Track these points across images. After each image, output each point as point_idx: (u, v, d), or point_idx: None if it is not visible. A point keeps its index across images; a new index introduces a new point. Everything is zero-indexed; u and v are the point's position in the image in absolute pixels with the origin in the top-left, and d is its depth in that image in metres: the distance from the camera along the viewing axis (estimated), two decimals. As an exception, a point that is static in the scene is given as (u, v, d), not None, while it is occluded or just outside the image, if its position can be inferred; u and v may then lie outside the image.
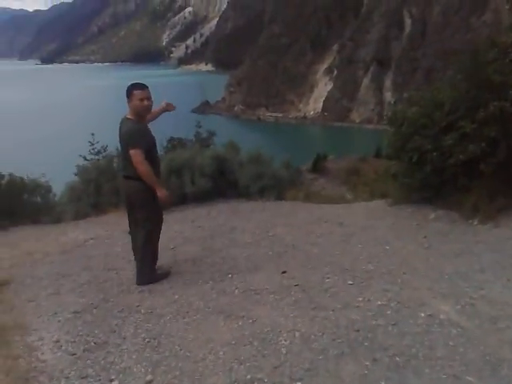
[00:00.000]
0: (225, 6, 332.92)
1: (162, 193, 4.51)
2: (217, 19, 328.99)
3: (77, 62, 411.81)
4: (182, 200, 8.79)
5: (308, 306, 3.80)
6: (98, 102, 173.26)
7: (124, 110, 4.73)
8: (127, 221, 4.88)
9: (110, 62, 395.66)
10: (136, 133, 4.49)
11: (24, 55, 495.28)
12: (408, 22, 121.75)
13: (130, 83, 4.69)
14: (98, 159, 11.57)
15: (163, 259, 5.19)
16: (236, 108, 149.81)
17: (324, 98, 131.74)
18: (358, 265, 4.73)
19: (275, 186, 9.04)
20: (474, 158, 5.80)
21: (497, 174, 5.79)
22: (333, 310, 3.66)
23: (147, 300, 4.29)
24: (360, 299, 3.83)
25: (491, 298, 3.67)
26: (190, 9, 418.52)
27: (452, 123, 6.15)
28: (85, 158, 11.81)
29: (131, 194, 4.66)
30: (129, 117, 4.61)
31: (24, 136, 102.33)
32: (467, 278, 4.16)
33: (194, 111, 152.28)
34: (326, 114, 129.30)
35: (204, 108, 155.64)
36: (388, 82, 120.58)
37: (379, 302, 3.73)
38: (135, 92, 4.57)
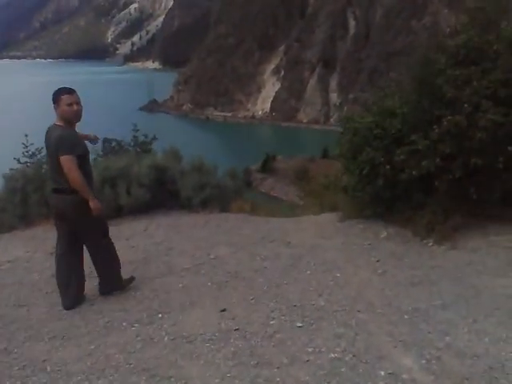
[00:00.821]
0: (171, 4, 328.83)
1: (94, 203, 4.25)
2: (163, 17, 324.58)
3: (18, 58, 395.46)
4: (118, 213, 8.06)
5: (249, 360, 3.21)
6: (42, 98, 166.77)
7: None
8: (55, 237, 4.25)
9: (53, 58, 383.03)
10: (67, 139, 4.17)
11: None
12: (352, 23, 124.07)
13: (57, 88, 4.38)
14: (27, 164, 10.58)
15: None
16: (184, 107, 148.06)
17: (272, 98, 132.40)
18: (307, 298, 4.20)
19: (219, 197, 8.45)
20: (428, 174, 5.43)
21: (452, 190, 5.44)
22: (278, 367, 3.08)
23: (57, 351, 3.58)
24: (310, 350, 3.28)
25: (458, 348, 3.21)
26: (135, 5, 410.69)
27: (404, 135, 5.77)
28: (18, 161, 10.76)
29: (65, 210, 4.30)
30: (58, 123, 4.29)
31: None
32: (428, 319, 3.70)
33: (142, 109, 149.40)
34: (274, 113, 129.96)
35: (152, 106, 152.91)
36: (333, 83, 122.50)
37: (332, 355, 3.19)
38: (63, 97, 4.25)
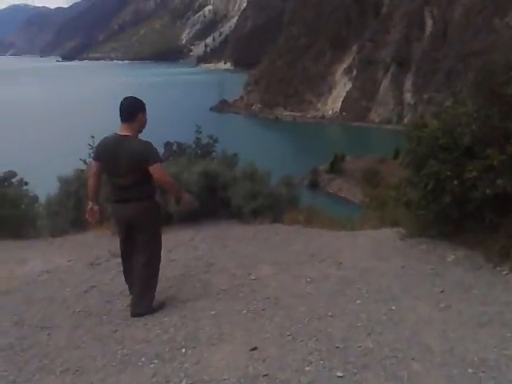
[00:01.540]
0: (244, 5, 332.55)
1: (186, 197, 4.54)
2: (236, 18, 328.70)
3: (97, 59, 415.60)
4: (167, 221, 7.80)
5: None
6: (118, 99, 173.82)
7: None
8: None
9: (129, 59, 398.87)
10: (154, 147, 4.29)
11: (45, 52, 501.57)
12: (429, 22, 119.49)
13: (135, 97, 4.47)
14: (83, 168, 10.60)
15: (105, 310, 4.19)
16: (254, 107, 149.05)
17: (343, 98, 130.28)
18: (353, 338, 3.61)
19: (272, 207, 7.99)
20: (504, 193, 4.66)
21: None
22: None
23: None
24: (347, 412, 2.72)
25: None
26: (209, 7, 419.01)
27: (476, 146, 5.02)
28: (84, 162, 10.84)
29: (139, 217, 4.33)
30: (125, 134, 4.25)
31: (43, 134, 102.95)
32: (499, 375, 3.03)
33: (212, 109, 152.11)
34: (344, 113, 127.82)
35: (222, 106, 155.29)
36: (408, 83, 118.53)
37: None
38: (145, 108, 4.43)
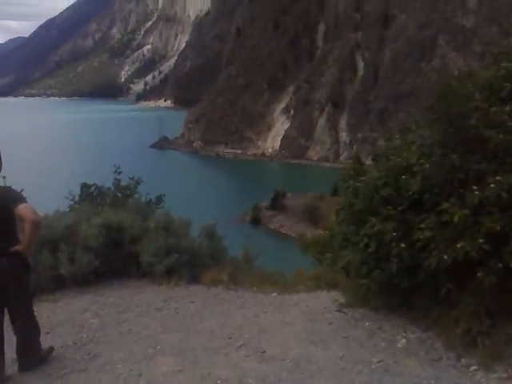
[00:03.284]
0: (183, 46, 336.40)
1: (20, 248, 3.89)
2: (175, 58, 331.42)
3: (33, 96, 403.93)
4: (59, 285, 6.43)
5: None
6: (62, 134, 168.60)
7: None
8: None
9: (67, 96, 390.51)
10: (14, 189, 4.01)
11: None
12: (361, 65, 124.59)
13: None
14: None
15: None
16: (195, 144, 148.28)
17: (282, 137, 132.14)
18: None
19: (190, 264, 6.82)
20: (466, 259, 3.65)
21: (502, 285, 3.64)
22: None
23: None
24: None
25: None
26: (148, 47, 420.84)
27: (428, 195, 4.05)
28: None
29: (8, 272, 3.83)
30: None
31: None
32: None
33: (152, 146, 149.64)
34: (283, 151, 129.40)
35: (163, 143, 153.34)
36: (343, 123, 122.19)
37: None
38: None
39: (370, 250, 4.24)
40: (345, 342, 4.16)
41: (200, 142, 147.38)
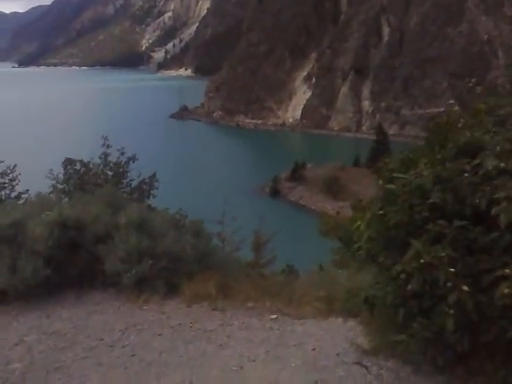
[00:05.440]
0: (204, 13, 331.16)
1: None
2: (196, 25, 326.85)
3: (55, 65, 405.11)
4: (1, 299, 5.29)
5: None
6: (82, 105, 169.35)
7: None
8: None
9: (88, 65, 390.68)
10: None
11: (1, 57, 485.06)
12: (386, 30, 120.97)
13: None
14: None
15: None
16: (215, 114, 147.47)
17: (303, 106, 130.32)
18: None
19: (169, 271, 5.48)
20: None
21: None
22: None
23: None
24: None
25: None
26: (169, 14, 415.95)
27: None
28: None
29: None
30: None
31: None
32: None
33: (172, 117, 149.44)
34: (304, 121, 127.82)
35: (183, 113, 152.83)
36: (366, 91, 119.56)
37: None
38: None
39: (409, 287, 2.78)
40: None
41: (220, 112, 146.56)
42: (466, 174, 2.84)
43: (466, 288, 2.55)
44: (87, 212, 5.74)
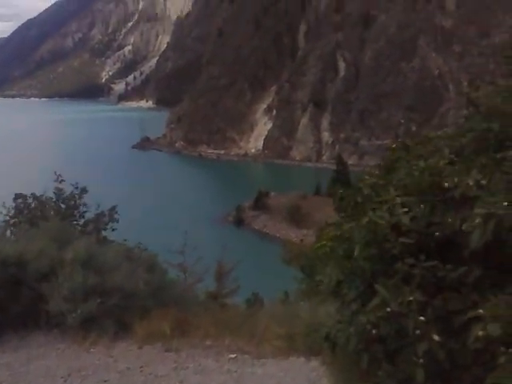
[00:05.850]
0: (164, 47, 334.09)
1: None
2: (156, 58, 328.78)
3: (13, 97, 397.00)
4: None
5: None
6: (41, 136, 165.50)
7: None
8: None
9: (47, 97, 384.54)
10: None
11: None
12: (342, 65, 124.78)
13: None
14: None
15: None
16: (177, 144, 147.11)
17: (264, 137, 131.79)
18: None
19: (121, 309, 5.17)
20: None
21: None
22: None
23: None
24: None
25: None
26: (129, 47, 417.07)
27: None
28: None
29: None
30: None
31: None
32: None
33: (134, 147, 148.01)
34: (266, 151, 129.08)
35: (144, 144, 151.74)
36: (325, 122, 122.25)
37: None
38: None
39: (374, 332, 2.40)
40: None
41: (182, 142, 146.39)
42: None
43: (436, 338, 2.22)
44: (30, 247, 5.47)
